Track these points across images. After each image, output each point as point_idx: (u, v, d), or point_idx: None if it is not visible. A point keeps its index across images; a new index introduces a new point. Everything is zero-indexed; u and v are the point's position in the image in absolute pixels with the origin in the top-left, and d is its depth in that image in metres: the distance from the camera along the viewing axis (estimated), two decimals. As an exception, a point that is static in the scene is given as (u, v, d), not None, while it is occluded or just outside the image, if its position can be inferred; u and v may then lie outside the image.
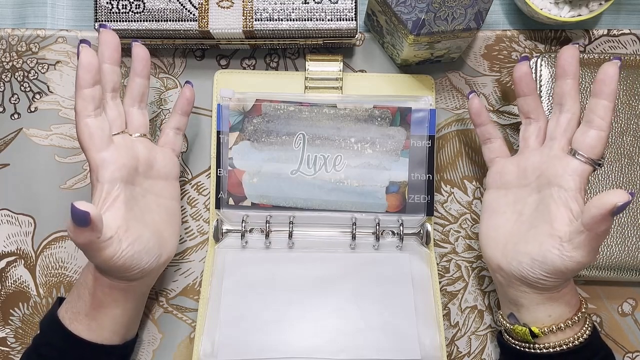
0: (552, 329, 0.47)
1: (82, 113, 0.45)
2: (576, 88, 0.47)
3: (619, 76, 0.45)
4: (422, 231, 0.55)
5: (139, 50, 0.50)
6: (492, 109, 0.58)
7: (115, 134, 0.47)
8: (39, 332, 0.49)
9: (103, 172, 0.45)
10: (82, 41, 0.45)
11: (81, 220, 0.39)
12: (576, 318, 0.47)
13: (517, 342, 0.49)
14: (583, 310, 0.48)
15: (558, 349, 0.46)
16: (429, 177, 0.55)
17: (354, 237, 0.55)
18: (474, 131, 0.58)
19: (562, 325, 0.46)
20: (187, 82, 0.53)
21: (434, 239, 0.57)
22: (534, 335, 0.47)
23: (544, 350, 0.47)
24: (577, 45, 0.48)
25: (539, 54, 0.55)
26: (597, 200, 0.41)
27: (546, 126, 0.49)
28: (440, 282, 0.56)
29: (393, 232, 0.56)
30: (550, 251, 0.44)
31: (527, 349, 0.48)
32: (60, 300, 0.50)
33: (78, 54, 0.45)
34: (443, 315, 0.55)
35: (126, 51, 0.58)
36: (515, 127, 0.58)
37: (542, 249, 0.44)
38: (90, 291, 0.47)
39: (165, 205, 0.51)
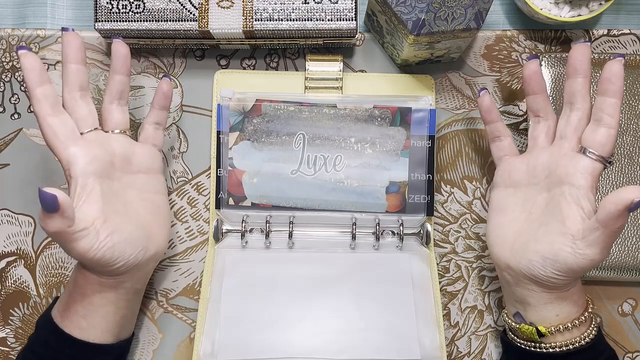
0: (559, 328, 0.46)
1: (40, 113, 0.45)
2: (587, 86, 0.47)
3: (624, 73, 0.45)
4: (422, 231, 0.55)
5: (119, 47, 0.50)
6: (492, 109, 0.58)
7: (87, 132, 0.47)
8: (34, 330, 0.49)
9: (74, 167, 0.45)
10: (20, 48, 0.46)
11: (49, 205, 0.39)
12: (583, 318, 0.47)
13: (522, 342, 0.49)
14: (590, 310, 0.47)
15: (564, 348, 0.46)
16: (429, 177, 0.55)
17: (354, 237, 0.55)
18: (474, 131, 0.58)
19: (570, 325, 0.46)
20: (164, 75, 0.53)
21: (434, 239, 0.57)
22: (540, 334, 0.47)
23: (550, 350, 0.47)
24: (589, 43, 0.47)
25: (539, 54, 0.55)
26: (613, 197, 0.40)
27: (555, 125, 0.49)
28: (440, 282, 0.56)
29: (393, 232, 0.56)
30: (562, 249, 0.44)
31: (532, 349, 0.48)
32: (57, 300, 0.50)
33: (20, 61, 0.45)
34: (443, 315, 0.55)
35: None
36: (516, 127, 0.58)
37: (554, 247, 0.44)
38: (80, 289, 0.47)
39: (151, 199, 0.50)
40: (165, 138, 0.57)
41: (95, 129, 0.48)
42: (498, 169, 0.52)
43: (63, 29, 0.48)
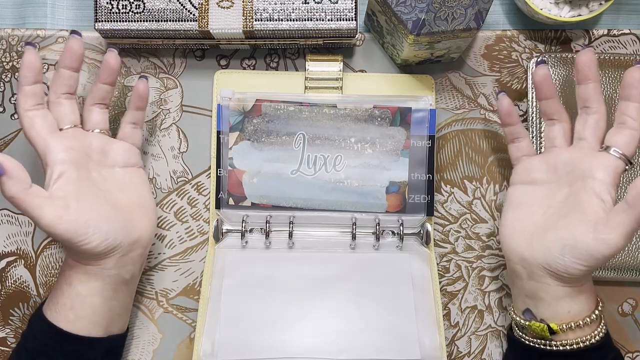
0: (571, 325, 0.46)
1: (22, 106, 0.47)
2: (599, 90, 0.48)
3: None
4: (422, 231, 0.56)
5: (110, 59, 0.51)
6: (492, 108, 0.58)
7: (66, 128, 0.49)
8: (27, 327, 0.49)
9: (50, 156, 0.46)
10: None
11: None
12: (594, 316, 0.46)
13: (531, 339, 0.48)
14: (600, 308, 0.47)
15: (575, 346, 0.46)
16: (429, 177, 0.55)
17: (354, 237, 0.55)
18: (474, 131, 0.58)
19: (581, 322, 0.46)
20: (141, 75, 0.53)
21: (434, 239, 0.57)
22: (552, 331, 0.46)
23: (561, 348, 0.46)
24: (592, 48, 0.48)
25: (539, 54, 0.55)
26: None
27: (569, 126, 0.50)
28: (440, 282, 0.56)
29: (393, 232, 0.56)
30: (584, 234, 0.44)
31: (542, 346, 0.47)
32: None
33: (23, 55, 0.47)
34: (443, 315, 0.55)
35: (127, 52, 0.58)
36: (515, 127, 0.58)
37: (575, 234, 0.44)
38: (66, 280, 0.47)
39: (132, 189, 0.51)
40: (165, 138, 0.57)
41: (75, 126, 0.50)
42: (516, 168, 0.52)
43: (72, 32, 0.50)
